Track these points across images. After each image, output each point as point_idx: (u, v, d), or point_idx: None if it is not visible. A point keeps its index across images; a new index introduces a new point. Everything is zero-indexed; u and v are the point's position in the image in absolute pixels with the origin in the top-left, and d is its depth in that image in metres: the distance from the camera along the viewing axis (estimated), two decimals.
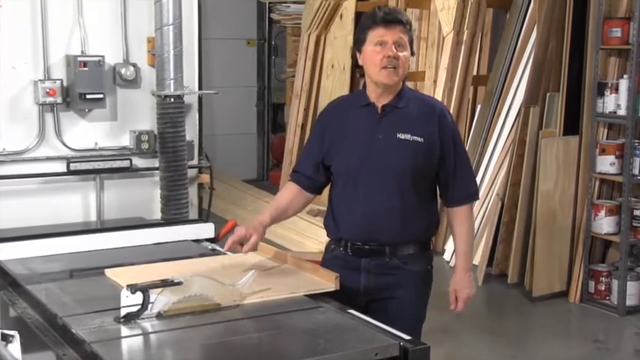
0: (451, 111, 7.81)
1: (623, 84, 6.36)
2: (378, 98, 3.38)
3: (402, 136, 3.33)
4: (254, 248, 3.38)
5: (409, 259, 3.43)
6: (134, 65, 5.40)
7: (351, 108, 3.46)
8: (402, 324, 3.20)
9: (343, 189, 3.43)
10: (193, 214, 5.57)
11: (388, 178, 3.33)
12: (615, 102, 6.43)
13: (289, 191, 3.56)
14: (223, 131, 11.19)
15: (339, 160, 3.43)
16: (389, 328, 2.81)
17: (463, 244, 3.52)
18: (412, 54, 3.40)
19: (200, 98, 5.71)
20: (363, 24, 3.39)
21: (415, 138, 3.33)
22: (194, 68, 5.60)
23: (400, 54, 3.30)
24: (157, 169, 5.42)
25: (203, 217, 5.57)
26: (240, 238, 3.34)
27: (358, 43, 3.38)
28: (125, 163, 5.42)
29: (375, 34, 3.30)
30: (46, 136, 5.26)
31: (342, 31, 9.44)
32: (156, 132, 5.38)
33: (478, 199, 3.60)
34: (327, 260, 3.52)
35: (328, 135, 3.46)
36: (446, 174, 3.42)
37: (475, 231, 7.54)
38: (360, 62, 3.39)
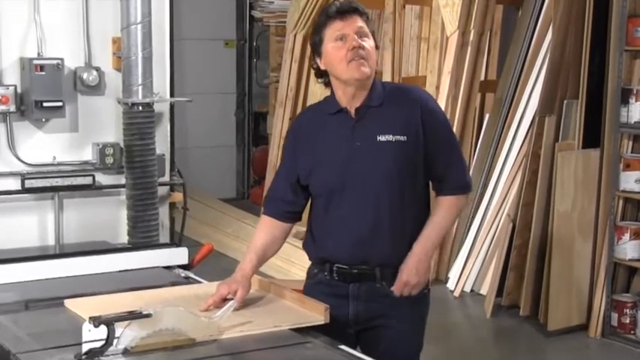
0: (456, 120, 7.87)
1: None
2: (351, 101, 3.41)
3: (382, 138, 3.36)
4: (242, 304, 3.36)
5: None
6: (97, 69, 5.40)
7: (323, 117, 3.49)
8: (397, 355, 3.22)
9: (325, 208, 3.46)
10: (164, 237, 5.57)
11: (373, 189, 3.36)
12: None
13: (265, 230, 3.57)
14: (198, 144, 11.21)
15: (316, 178, 3.46)
16: None
17: (429, 229, 3.45)
18: (377, 47, 3.44)
19: (172, 106, 5.72)
20: (316, 25, 3.44)
21: (398, 137, 3.36)
22: (165, 72, 5.61)
23: (365, 43, 3.33)
24: (123, 186, 5.43)
25: (175, 240, 5.57)
26: (222, 297, 3.35)
27: (316, 47, 3.42)
28: (87, 180, 5.42)
29: (333, 29, 3.35)
30: None
31: None
32: (122, 145, 5.39)
33: (470, 190, 3.60)
34: (310, 286, 3.54)
35: (301, 151, 3.49)
36: (436, 166, 3.43)
37: (484, 255, 7.59)
38: (323, 67, 3.43)
